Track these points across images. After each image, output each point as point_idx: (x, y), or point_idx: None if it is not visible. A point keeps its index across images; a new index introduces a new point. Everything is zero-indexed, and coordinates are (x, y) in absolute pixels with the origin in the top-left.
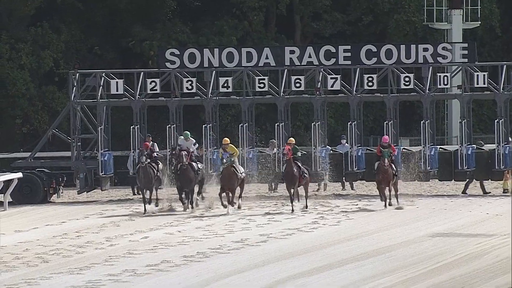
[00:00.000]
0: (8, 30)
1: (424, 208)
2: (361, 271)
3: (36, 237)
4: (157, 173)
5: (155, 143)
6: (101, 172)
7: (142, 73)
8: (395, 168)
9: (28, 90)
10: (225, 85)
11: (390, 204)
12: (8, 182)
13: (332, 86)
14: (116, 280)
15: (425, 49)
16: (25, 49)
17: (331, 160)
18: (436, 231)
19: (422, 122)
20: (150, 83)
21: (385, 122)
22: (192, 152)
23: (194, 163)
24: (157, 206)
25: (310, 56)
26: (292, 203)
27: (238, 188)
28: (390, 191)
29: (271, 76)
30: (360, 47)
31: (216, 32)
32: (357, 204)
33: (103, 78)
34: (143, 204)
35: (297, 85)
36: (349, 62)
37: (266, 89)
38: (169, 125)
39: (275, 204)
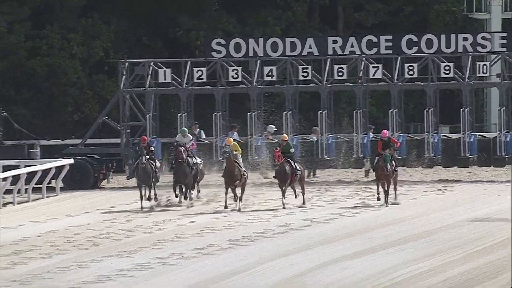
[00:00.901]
0: (60, 21)
1: (463, 194)
2: (402, 255)
3: (86, 221)
4: (155, 170)
5: (201, 130)
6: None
7: (189, 62)
8: (394, 164)
9: (79, 79)
10: (270, 74)
11: (386, 202)
12: (60, 168)
13: (373, 75)
14: (164, 263)
15: (465, 39)
16: (76, 39)
17: (373, 146)
18: (475, 216)
19: (461, 109)
20: (197, 72)
21: (425, 110)
22: (189, 148)
23: (190, 158)
24: (156, 201)
25: (352, 46)
26: (283, 199)
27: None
28: (388, 188)
29: (314, 65)
30: (401, 37)
31: (260, 23)
32: (398, 190)
33: (151, 67)
34: (140, 201)
35: (340, 74)
36: (390, 52)
37: (309, 77)
38: (215, 113)
39: (318, 190)
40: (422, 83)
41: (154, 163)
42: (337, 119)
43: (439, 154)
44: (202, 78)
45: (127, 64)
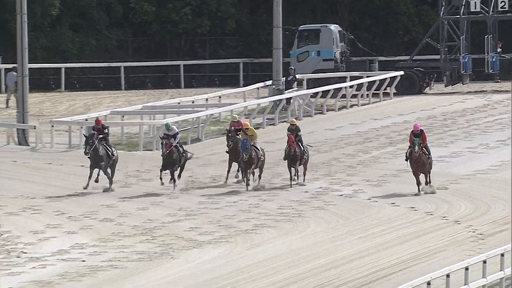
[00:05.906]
0: None
1: None
2: None
3: (409, 120)
4: (112, 153)
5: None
6: (462, 70)
7: None
8: (427, 152)
9: (408, 9)
10: None
11: (425, 191)
12: (393, 78)
13: None
14: (473, 151)
15: None
16: None
17: None
18: None
19: None
20: (501, 2)
21: None
22: (175, 141)
23: (179, 147)
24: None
25: None
26: (291, 180)
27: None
28: (426, 177)
29: None
30: None
31: None
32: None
33: None
34: (87, 180)
35: None
36: None
37: None
38: None
39: None
40: None
41: (109, 148)
42: None
43: None
44: (505, 8)
45: None
